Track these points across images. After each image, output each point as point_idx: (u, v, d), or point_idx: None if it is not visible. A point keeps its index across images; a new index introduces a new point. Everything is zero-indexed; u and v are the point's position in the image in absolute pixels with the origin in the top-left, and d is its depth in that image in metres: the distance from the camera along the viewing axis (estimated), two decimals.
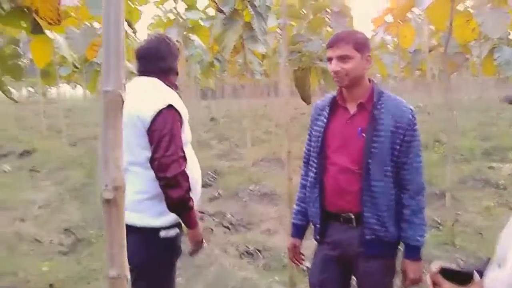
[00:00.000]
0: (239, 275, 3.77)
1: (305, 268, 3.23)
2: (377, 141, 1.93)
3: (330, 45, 1.99)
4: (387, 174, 1.95)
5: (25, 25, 2.32)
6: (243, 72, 10.97)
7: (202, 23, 8.99)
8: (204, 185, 7.24)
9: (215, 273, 3.81)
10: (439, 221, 5.09)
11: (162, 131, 1.95)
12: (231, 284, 3.60)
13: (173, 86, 2.23)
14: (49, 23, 2.39)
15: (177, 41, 4.94)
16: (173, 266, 2.26)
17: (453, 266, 1.24)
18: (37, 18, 2.61)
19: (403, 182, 1.98)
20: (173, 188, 1.95)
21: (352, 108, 2.03)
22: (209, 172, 7.82)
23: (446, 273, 1.20)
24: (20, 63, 6.20)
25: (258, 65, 12.85)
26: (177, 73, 2.27)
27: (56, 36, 7.86)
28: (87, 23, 6.79)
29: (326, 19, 6.28)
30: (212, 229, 4.76)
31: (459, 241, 4.43)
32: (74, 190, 6.64)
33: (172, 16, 8.56)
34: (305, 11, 6.35)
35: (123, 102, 0.83)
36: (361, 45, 1.97)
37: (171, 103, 2.01)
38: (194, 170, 2.24)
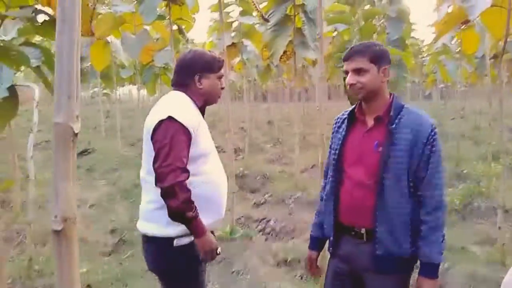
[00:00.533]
0: (273, 285, 3.74)
1: None
2: (393, 156, 1.90)
3: (346, 59, 1.99)
4: (403, 190, 1.91)
5: None
6: (300, 76, 10.90)
7: (256, 28, 9.02)
8: (253, 190, 7.26)
9: (249, 282, 3.80)
10: (495, 237, 4.80)
11: (162, 142, 1.99)
12: None
13: (197, 98, 2.23)
14: (82, 35, 2.49)
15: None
16: (195, 273, 2.25)
17: None
18: None
19: (421, 198, 1.93)
20: (170, 198, 1.97)
21: (370, 122, 2.01)
22: (258, 177, 7.83)
23: None
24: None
25: (314, 70, 12.73)
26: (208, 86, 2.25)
27: (114, 40, 8.18)
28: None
29: (378, 26, 6.09)
30: (251, 237, 4.75)
31: (510, 260, 4.14)
32: (125, 191, 6.84)
33: (228, 20, 8.63)
34: (355, 18, 6.18)
35: (74, 134, 0.83)
36: (377, 57, 1.95)
37: (171, 115, 2.02)
38: (217, 183, 2.23)
